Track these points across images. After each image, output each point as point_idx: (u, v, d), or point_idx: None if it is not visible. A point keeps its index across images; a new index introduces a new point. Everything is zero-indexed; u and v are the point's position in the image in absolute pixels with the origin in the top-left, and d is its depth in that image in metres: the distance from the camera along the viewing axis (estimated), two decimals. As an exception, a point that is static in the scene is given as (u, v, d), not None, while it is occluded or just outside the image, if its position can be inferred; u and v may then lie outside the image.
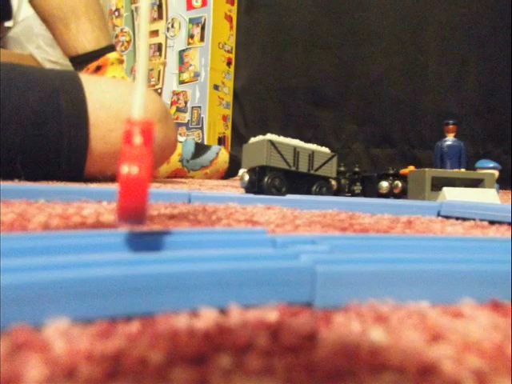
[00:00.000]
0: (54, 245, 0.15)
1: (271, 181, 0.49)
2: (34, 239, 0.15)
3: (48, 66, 1.34)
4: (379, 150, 1.46)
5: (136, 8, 1.26)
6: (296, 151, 0.51)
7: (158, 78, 1.23)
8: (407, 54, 1.35)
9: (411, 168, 0.57)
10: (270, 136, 0.50)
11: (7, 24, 1.21)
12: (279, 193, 0.50)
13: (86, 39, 0.80)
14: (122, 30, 1.29)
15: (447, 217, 0.40)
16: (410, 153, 1.40)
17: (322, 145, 0.54)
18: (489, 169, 0.47)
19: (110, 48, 0.84)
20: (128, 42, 1.28)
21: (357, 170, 0.64)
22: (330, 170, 0.54)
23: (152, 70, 1.23)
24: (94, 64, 0.82)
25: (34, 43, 1.24)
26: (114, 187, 0.43)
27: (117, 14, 1.30)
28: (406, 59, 1.36)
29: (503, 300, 0.14)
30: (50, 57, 1.32)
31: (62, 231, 0.17)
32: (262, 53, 1.34)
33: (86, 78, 0.64)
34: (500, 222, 0.36)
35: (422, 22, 1.33)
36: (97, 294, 0.11)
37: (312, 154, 0.52)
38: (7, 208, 0.30)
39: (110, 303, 0.12)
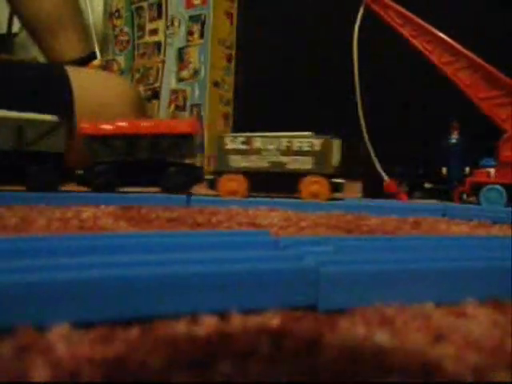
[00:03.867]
0: (55, 247, 0.15)
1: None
2: (36, 241, 0.15)
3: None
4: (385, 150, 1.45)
5: (136, 9, 1.26)
6: None
7: (157, 77, 1.22)
8: (413, 53, 1.34)
9: None
10: None
11: (14, 30, 1.24)
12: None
13: (71, 48, 0.83)
14: (121, 30, 1.29)
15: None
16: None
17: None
18: (493, 167, 0.47)
19: (93, 55, 0.88)
20: (127, 42, 1.28)
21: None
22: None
23: (151, 68, 1.23)
24: None
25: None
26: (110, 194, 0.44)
27: (117, 14, 1.30)
28: (411, 58, 1.35)
29: (504, 297, 0.14)
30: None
31: (62, 234, 0.17)
32: (263, 48, 1.33)
33: (71, 68, 0.73)
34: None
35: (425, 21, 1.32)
36: (98, 295, 0.11)
37: (21, 126, 0.41)
38: (10, 212, 0.30)
39: (110, 305, 0.11)
